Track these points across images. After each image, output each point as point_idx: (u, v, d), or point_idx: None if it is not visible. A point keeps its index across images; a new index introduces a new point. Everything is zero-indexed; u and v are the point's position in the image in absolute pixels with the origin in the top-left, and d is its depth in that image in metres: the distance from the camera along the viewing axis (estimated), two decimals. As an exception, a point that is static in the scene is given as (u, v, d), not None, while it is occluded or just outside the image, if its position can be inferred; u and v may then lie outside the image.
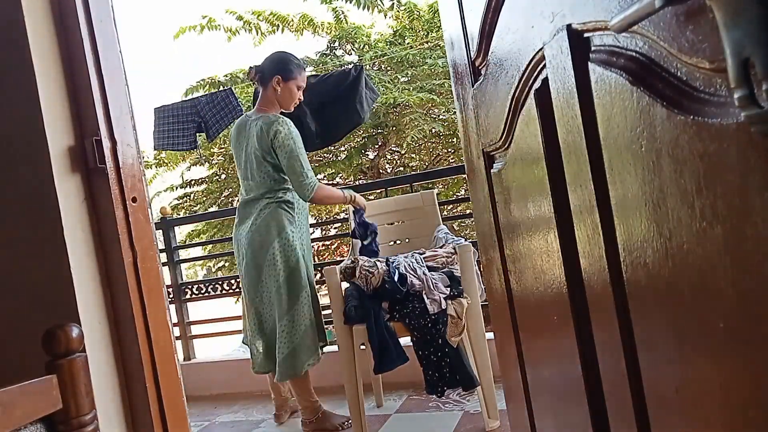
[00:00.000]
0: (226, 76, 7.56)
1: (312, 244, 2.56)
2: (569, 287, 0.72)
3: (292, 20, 7.40)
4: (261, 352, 2.33)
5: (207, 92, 6.39)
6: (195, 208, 8.19)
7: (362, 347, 2.14)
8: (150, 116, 4.17)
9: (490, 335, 2.12)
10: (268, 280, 2.25)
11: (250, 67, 2.39)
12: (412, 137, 6.26)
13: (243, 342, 2.55)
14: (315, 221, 7.83)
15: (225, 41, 7.45)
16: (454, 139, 6.75)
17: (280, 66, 2.33)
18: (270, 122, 2.25)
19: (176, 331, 3.39)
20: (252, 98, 4.21)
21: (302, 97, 2.40)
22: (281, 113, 2.36)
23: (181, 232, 8.15)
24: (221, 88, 5.59)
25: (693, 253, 0.45)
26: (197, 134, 4.19)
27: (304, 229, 2.38)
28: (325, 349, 2.39)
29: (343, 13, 7.41)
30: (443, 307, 2.05)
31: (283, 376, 2.23)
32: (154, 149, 4.98)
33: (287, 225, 2.27)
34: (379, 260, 2.24)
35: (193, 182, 8.25)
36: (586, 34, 0.60)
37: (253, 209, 2.32)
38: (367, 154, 7.53)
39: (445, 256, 2.28)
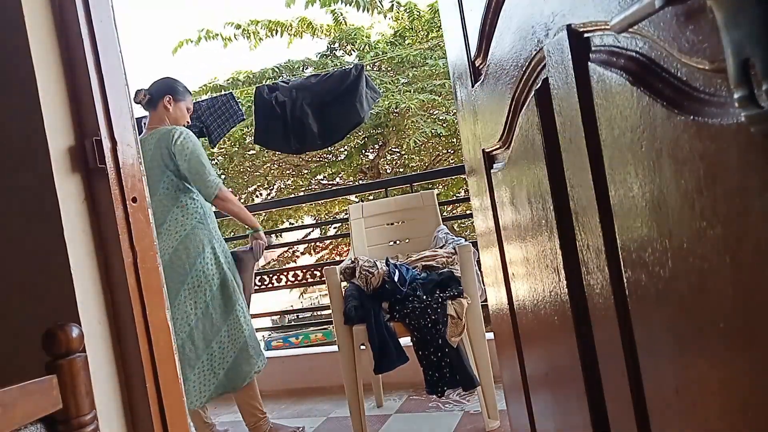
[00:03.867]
0: (228, 80, 7.56)
1: (311, 244, 2.54)
2: (569, 287, 0.72)
3: (291, 25, 7.41)
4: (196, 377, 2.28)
5: (209, 96, 6.42)
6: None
7: (362, 347, 2.14)
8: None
9: (490, 335, 2.11)
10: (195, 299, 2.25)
11: (137, 91, 2.40)
12: (414, 141, 6.26)
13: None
14: (314, 221, 7.82)
15: (221, 47, 7.43)
16: (454, 140, 6.75)
17: (171, 88, 2.40)
18: (166, 131, 2.27)
19: (176, 331, 3.38)
20: (253, 100, 4.23)
21: (189, 120, 2.45)
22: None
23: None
24: (222, 92, 5.60)
25: (693, 253, 0.45)
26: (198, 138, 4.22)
27: (219, 236, 2.36)
28: (326, 349, 2.38)
29: (342, 15, 7.40)
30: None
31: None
32: None
33: (206, 241, 2.26)
34: (378, 260, 2.24)
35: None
36: (586, 34, 0.60)
37: (165, 224, 2.25)
38: (367, 154, 7.53)
39: (445, 256, 2.28)
